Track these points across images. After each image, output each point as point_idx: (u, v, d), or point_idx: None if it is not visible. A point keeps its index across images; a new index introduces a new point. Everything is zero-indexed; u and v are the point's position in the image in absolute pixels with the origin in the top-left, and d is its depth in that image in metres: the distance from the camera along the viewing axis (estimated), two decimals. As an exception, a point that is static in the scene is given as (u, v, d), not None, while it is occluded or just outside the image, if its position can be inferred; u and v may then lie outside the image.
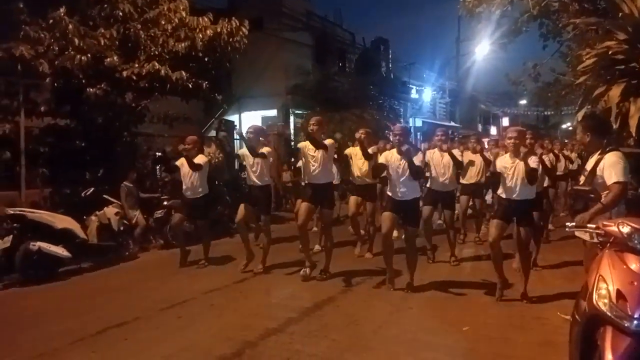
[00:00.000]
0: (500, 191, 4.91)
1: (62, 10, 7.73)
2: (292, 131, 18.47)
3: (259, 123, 19.00)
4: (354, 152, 7.01)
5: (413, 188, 5.22)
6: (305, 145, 5.70)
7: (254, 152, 6.01)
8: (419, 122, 28.23)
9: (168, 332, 4.31)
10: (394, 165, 5.22)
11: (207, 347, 3.99)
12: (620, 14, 4.00)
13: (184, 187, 6.73)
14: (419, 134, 28.52)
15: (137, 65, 8.36)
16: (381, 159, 5.55)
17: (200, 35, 8.94)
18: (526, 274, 4.86)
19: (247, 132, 6.22)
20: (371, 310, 4.75)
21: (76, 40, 7.77)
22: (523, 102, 32.82)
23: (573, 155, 9.72)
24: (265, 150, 6.15)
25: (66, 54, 7.81)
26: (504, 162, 4.81)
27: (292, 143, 17.60)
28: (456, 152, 6.67)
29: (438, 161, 6.40)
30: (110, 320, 4.58)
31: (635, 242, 2.41)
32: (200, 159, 6.72)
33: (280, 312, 4.78)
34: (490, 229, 4.98)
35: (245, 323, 4.54)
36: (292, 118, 18.68)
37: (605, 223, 2.63)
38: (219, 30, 9.16)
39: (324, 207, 5.85)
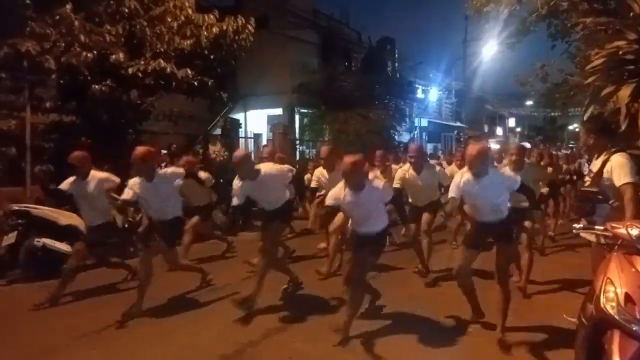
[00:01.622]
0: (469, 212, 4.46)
1: (68, 6, 7.75)
2: (297, 129, 18.47)
3: (264, 121, 19.11)
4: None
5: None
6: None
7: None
8: (424, 122, 28.16)
9: (170, 331, 4.30)
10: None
11: (208, 346, 3.97)
12: (632, 13, 3.95)
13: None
14: (424, 133, 28.45)
15: (142, 63, 8.37)
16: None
17: (206, 33, 8.95)
18: (504, 312, 3.95)
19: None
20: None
21: (82, 37, 7.78)
22: (529, 102, 32.69)
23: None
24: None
25: (72, 51, 7.82)
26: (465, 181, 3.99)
27: (297, 142, 17.67)
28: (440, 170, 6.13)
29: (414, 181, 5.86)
30: (113, 317, 4.56)
31: (645, 245, 2.37)
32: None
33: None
34: (457, 255, 4.45)
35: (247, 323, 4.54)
36: (297, 117, 18.67)
37: (613, 225, 2.59)
38: (224, 28, 9.16)
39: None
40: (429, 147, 25.14)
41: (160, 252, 4.95)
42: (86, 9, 8.30)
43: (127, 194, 4.79)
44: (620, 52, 3.97)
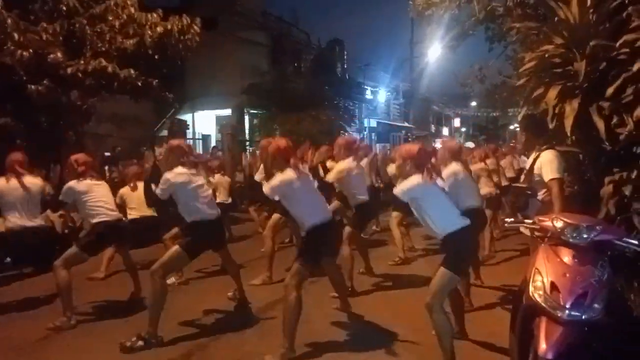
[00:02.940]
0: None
1: (-1, 3, 7.36)
2: (247, 130, 18.34)
3: (213, 122, 18.86)
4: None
5: None
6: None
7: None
8: (373, 123, 28.66)
9: (113, 337, 4.16)
10: None
11: (155, 350, 3.89)
12: (556, 19, 4.20)
13: None
14: (373, 134, 28.94)
15: (82, 62, 8.07)
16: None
17: (150, 32, 8.72)
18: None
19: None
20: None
21: (15, 35, 7.41)
22: (473, 103, 33.93)
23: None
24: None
25: (5, 49, 7.43)
26: None
27: (247, 143, 17.54)
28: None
29: None
30: (51, 326, 4.38)
31: (568, 235, 2.53)
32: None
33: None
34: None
35: (196, 324, 4.48)
36: (247, 117, 18.55)
37: (540, 218, 2.75)
38: (169, 27, 8.96)
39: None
40: (379, 147, 25.58)
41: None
42: (20, 6, 7.90)
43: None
44: (547, 55, 4.21)
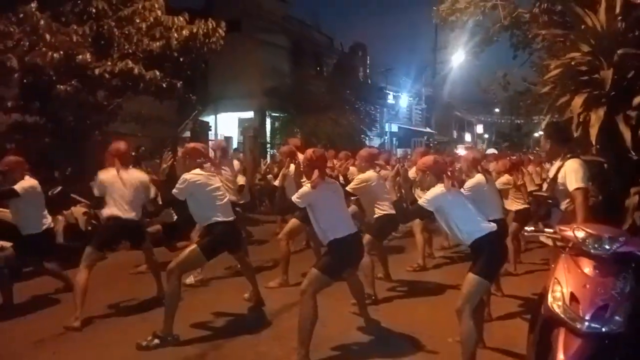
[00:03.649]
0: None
1: (33, 4, 7.57)
2: (267, 133, 18.48)
3: (235, 124, 19.04)
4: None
5: None
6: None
7: None
8: (395, 128, 28.57)
9: (133, 333, 4.24)
10: None
11: (171, 348, 3.94)
12: (583, 26, 4.14)
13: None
14: (394, 139, 28.84)
15: (109, 63, 8.24)
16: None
17: (176, 35, 8.89)
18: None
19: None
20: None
21: (47, 36, 7.61)
22: (497, 110, 33.55)
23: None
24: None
25: (37, 50, 7.63)
26: None
27: (268, 145, 17.67)
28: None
29: None
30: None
31: (590, 246, 2.49)
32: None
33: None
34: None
35: (212, 324, 4.53)
36: (268, 120, 18.69)
37: (562, 227, 2.71)
38: (194, 30, 9.14)
39: None
40: (399, 152, 25.49)
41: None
42: (52, 7, 8.13)
43: None
44: (574, 63, 4.15)
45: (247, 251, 6.29)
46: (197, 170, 4.29)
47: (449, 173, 3.50)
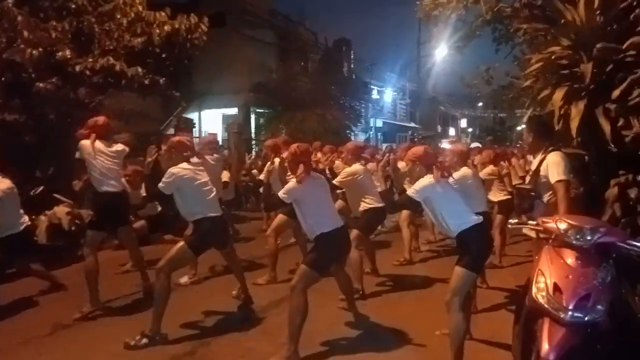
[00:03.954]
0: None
1: (10, 0, 7.42)
2: (252, 129, 18.41)
3: (219, 121, 18.92)
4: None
5: None
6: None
7: None
8: (379, 123, 28.66)
9: (119, 332, 4.21)
10: None
11: (160, 346, 3.93)
12: (563, 21, 4.19)
13: None
14: (379, 134, 28.94)
15: (90, 60, 8.13)
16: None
17: (158, 31, 8.79)
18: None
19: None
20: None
21: (26, 33, 7.47)
22: (480, 104, 33.82)
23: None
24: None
25: (15, 47, 7.49)
26: None
27: (253, 141, 17.61)
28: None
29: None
30: (59, 321, 4.45)
31: (571, 237, 2.53)
32: None
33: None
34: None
35: (200, 322, 4.52)
36: (253, 116, 18.61)
37: (544, 220, 2.75)
38: (177, 26, 9.04)
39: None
40: (384, 147, 25.59)
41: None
42: (30, 3, 7.97)
43: None
44: (554, 57, 4.21)
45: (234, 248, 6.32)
46: (185, 164, 4.25)
47: (439, 164, 3.52)
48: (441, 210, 3.46)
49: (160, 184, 4.16)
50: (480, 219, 3.50)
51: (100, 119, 4.83)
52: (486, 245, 3.60)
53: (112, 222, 4.98)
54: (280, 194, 3.93)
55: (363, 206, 5.37)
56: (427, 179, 3.48)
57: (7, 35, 7.58)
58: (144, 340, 3.92)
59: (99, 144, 4.68)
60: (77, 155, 4.74)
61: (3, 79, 7.92)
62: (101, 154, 4.68)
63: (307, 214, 3.91)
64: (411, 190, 3.53)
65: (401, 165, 4.81)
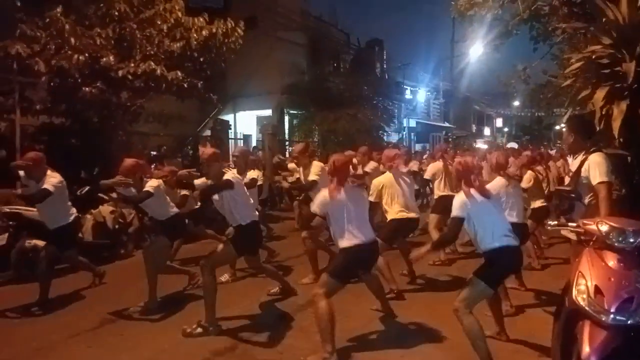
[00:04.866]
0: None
1: (58, 9, 7.76)
2: (286, 130, 18.57)
3: (254, 122, 19.17)
4: None
5: None
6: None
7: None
8: (413, 123, 28.39)
9: (164, 327, 4.39)
10: None
11: (201, 341, 4.07)
12: (604, 19, 4.11)
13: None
14: (412, 134, 28.68)
15: (132, 65, 8.41)
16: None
17: (196, 36, 9.03)
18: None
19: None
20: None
21: (72, 40, 7.80)
22: (516, 103, 33.07)
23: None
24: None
25: (62, 53, 7.84)
26: None
27: (287, 142, 17.77)
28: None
29: None
30: (106, 315, 4.67)
31: (613, 239, 2.51)
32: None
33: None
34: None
35: (239, 319, 4.65)
36: (286, 117, 18.77)
37: (585, 222, 2.73)
38: (214, 30, 9.26)
39: None
40: (418, 147, 25.37)
41: (157, 249, 5.09)
42: (76, 11, 8.33)
43: None
44: (594, 56, 4.12)
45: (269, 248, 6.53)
46: (232, 172, 4.44)
47: (472, 178, 3.52)
48: (476, 227, 3.48)
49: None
50: (511, 241, 3.46)
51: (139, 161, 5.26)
52: (512, 267, 3.61)
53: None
54: (313, 208, 4.02)
55: (390, 215, 5.33)
56: (461, 197, 3.49)
57: (55, 42, 7.94)
58: (199, 330, 4.17)
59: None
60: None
61: (51, 84, 8.30)
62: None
63: (336, 226, 3.89)
64: (453, 212, 3.52)
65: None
